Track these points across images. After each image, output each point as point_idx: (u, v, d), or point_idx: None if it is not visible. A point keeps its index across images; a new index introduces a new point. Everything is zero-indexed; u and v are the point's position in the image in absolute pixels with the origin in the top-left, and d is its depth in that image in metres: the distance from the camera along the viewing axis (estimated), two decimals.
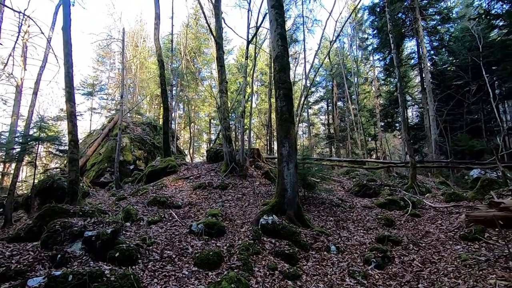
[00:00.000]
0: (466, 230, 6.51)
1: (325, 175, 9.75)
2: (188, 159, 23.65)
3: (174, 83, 22.99)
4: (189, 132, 26.02)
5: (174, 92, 23.63)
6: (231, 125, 26.70)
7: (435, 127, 16.77)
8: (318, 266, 5.56)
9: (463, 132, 20.25)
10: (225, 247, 5.40)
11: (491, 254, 5.07)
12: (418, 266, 5.48)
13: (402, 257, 5.79)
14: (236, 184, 8.94)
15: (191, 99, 27.71)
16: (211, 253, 4.97)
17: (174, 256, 5.03)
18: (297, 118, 16.68)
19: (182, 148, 27.57)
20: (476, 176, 12.10)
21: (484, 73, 17.71)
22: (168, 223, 6.37)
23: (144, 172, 11.30)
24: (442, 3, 21.75)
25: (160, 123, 18.94)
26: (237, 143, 13.32)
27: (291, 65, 28.32)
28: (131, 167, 15.19)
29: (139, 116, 24.34)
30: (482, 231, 5.98)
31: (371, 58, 26.09)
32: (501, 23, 15.00)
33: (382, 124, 26.92)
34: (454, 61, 21.03)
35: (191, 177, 9.33)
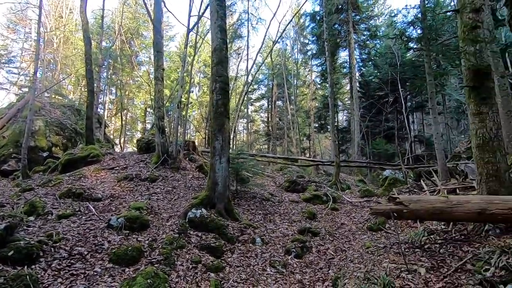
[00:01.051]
0: (372, 222, 7.49)
1: (258, 171, 10.06)
2: (118, 148, 21.79)
3: (105, 64, 20.81)
4: (121, 120, 23.93)
5: (105, 74, 21.40)
6: (169, 116, 25.48)
7: (358, 131, 18.77)
8: (242, 258, 5.73)
9: (380, 137, 23.10)
10: (146, 242, 5.15)
11: (388, 241, 5.92)
12: (331, 254, 6.08)
13: (319, 247, 6.34)
14: (167, 176, 8.57)
15: (125, 83, 25.49)
16: (130, 248, 4.67)
17: (86, 253, 4.58)
18: (237, 113, 16.82)
19: (112, 136, 25.24)
20: (386, 176, 13.94)
21: (399, 87, 20.46)
22: (83, 217, 5.76)
23: (59, 161, 9.99)
24: (372, 21, 24.37)
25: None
26: (175, 134, 12.78)
27: (235, 60, 28.38)
28: (45, 154, 13.27)
29: (60, 97, 21.39)
30: (384, 223, 6.95)
31: (310, 62, 27.80)
32: (414, 46, 17.55)
33: (316, 125, 28.99)
34: (377, 74, 23.80)
35: (117, 168, 8.61)
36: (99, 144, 11.76)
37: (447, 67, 13.24)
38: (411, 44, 19.14)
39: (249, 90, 29.40)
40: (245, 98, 22.09)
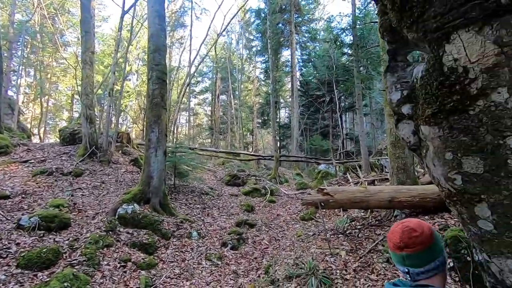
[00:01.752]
0: (304, 212, 8.05)
1: (198, 164, 9.88)
2: (36, 139, 18.99)
3: (20, 40, 17.81)
4: (41, 107, 20.83)
5: (20, 52, 18.33)
6: (102, 105, 23.15)
7: (297, 128, 19.82)
8: (177, 253, 5.60)
9: (317, 134, 24.79)
10: (66, 242, 4.64)
11: (317, 229, 6.43)
12: (266, 244, 6.36)
13: (254, 238, 6.56)
14: (95, 170, 7.83)
15: (47, 65, 22.23)
16: (44, 250, 4.15)
17: None
18: (179, 105, 16.20)
19: (29, 125, 21.86)
20: (320, 169, 15.06)
21: (334, 88, 22.18)
22: None
23: None
24: (313, 24, 25.83)
25: None
26: (107, 124, 11.58)
27: (177, 49, 27.14)
28: None
29: None
30: (315, 213, 7.52)
31: (254, 58, 28.20)
32: (347, 51, 19.24)
33: (259, 121, 29.67)
34: (316, 74, 25.38)
35: (32, 161, 7.51)
36: (9, 133, 10.08)
37: (372, 73, 14.86)
38: (345, 50, 20.97)
39: (193, 82, 28.54)
40: (188, 90, 21.33)
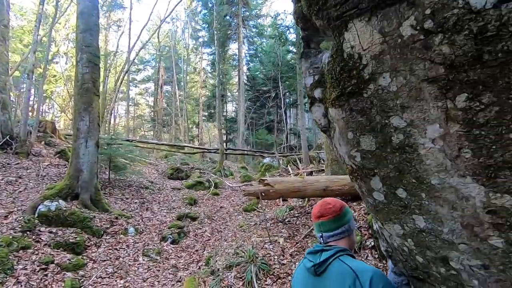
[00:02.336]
0: (247, 204, 8.23)
1: (138, 157, 9.30)
2: None
3: None
4: None
5: None
6: (21, 90, 20.01)
7: (243, 122, 20.02)
8: (110, 251, 5.22)
9: (263, 128, 25.39)
10: None
11: (258, 219, 6.63)
12: (208, 236, 6.33)
13: (196, 231, 6.48)
14: (10, 164, 6.78)
15: None
16: None
17: None
18: (116, 94, 14.91)
19: None
20: (265, 162, 15.50)
21: (280, 84, 22.93)
22: None
23: None
24: (260, 20, 26.16)
25: None
26: (25, 111, 9.98)
27: (115, 33, 24.86)
28: None
29: None
30: (257, 203, 7.73)
31: (201, 49, 27.43)
32: (292, 49, 20.02)
33: (205, 114, 29.11)
34: (263, 70, 25.88)
35: None
36: None
37: None
38: (290, 47, 21.76)
39: (133, 70, 26.56)
40: (127, 78, 19.77)
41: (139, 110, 31.57)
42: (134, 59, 14.04)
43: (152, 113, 26.83)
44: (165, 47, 26.02)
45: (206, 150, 15.13)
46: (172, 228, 6.09)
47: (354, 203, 5.90)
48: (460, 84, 0.66)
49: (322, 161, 9.21)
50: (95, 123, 6.05)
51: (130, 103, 27.90)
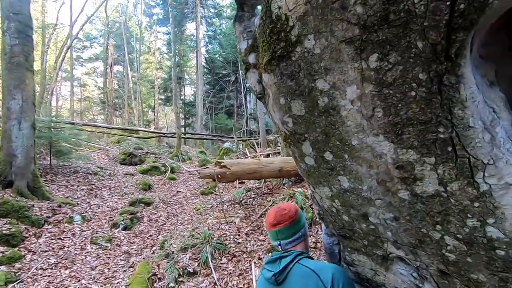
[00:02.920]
0: (205, 187, 8.18)
1: (84, 142, 8.60)
2: None
3: None
4: None
5: None
6: None
7: (202, 106, 19.55)
8: (53, 241, 4.84)
9: (222, 112, 25.07)
10: None
11: (215, 202, 6.65)
12: (163, 220, 6.19)
13: (151, 216, 6.29)
14: None
15: None
16: None
17: None
18: (56, 72, 13.41)
19: None
20: (224, 147, 15.44)
21: (240, 68, 22.63)
22: None
23: None
24: (219, 0, 25.23)
25: None
26: None
27: (53, 3, 22.04)
28: None
29: None
30: (214, 187, 7.71)
31: (155, 28, 25.72)
32: None
33: (162, 97, 27.77)
34: (222, 53, 25.23)
35: None
36: None
37: None
38: None
39: (78, 47, 24.05)
40: (70, 55, 17.80)
41: (86, 92, 28.91)
42: (77, 34, 12.65)
43: (101, 95, 24.78)
44: (114, 23, 23.87)
45: (162, 135, 14.52)
46: (124, 214, 5.83)
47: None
48: (372, 44, 0.70)
49: (279, 144, 9.45)
50: (30, 103, 5.41)
51: (75, 84, 25.44)
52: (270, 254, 4.53)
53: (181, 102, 27.22)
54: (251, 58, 1.00)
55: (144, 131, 15.14)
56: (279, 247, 1.16)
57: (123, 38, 21.19)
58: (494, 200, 0.71)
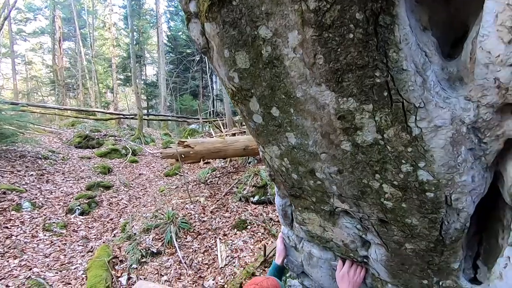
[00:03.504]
0: (169, 169, 7.97)
1: (31, 124, 7.83)
2: None
3: None
4: None
5: None
6: None
7: (165, 86, 18.67)
8: None
9: (188, 93, 24.22)
10: None
11: (180, 183, 6.52)
12: (124, 204, 5.95)
13: (111, 199, 6.00)
14: None
15: None
16: None
17: None
18: None
19: None
20: (190, 128, 15.06)
21: None
22: None
23: None
24: None
25: None
26: None
27: None
28: None
29: None
30: (179, 168, 7.54)
31: (110, 0, 23.54)
32: None
33: (121, 77, 25.99)
34: (185, 30, 23.98)
35: None
36: None
37: None
38: None
39: (19, 18, 21.34)
40: (9, 28, 15.70)
41: (33, 71, 26.08)
42: (15, 3, 11.12)
43: (51, 74, 22.53)
44: None
45: (122, 116, 13.69)
46: (80, 199, 5.50)
47: None
48: None
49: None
50: None
51: (18, 61, 22.83)
52: (235, 230, 4.61)
53: (142, 82, 25.76)
54: (192, 6, 0.92)
55: (102, 112, 14.16)
56: None
57: (73, 10, 19.14)
58: (424, 143, 0.74)
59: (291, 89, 0.86)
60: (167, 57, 25.24)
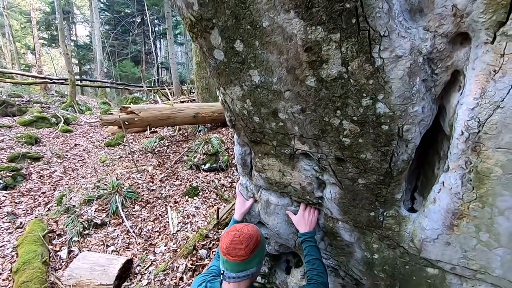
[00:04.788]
0: (110, 138, 7.34)
1: None
2: None
3: None
4: None
5: None
6: None
7: (100, 49, 16.60)
8: None
9: (128, 59, 22.03)
10: None
11: (124, 152, 6.08)
12: (59, 176, 5.35)
13: (41, 172, 5.34)
14: None
15: None
16: None
17: None
18: None
19: None
20: (132, 96, 13.92)
21: (146, 8, 19.68)
22: None
23: None
24: None
25: None
26: None
27: None
28: None
29: None
30: (122, 137, 7.00)
31: None
32: None
33: (45, 36, 22.32)
34: None
35: None
36: None
37: None
38: None
39: None
40: None
41: None
42: None
43: None
44: None
45: (49, 80, 11.88)
46: (2, 172, 4.77)
47: (223, 129, 6.22)
48: None
49: (193, 91, 9.01)
50: None
51: None
52: (186, 197, 4.55)
53: (72, 43, 22.55)
54: None
55: (23, 75, 12.08)
56: (222, 275, 1.07)
57: None
58: (385, 74, 0.77)
59: (257, 18, 0.81)
60: (102, 16, 22.34)
